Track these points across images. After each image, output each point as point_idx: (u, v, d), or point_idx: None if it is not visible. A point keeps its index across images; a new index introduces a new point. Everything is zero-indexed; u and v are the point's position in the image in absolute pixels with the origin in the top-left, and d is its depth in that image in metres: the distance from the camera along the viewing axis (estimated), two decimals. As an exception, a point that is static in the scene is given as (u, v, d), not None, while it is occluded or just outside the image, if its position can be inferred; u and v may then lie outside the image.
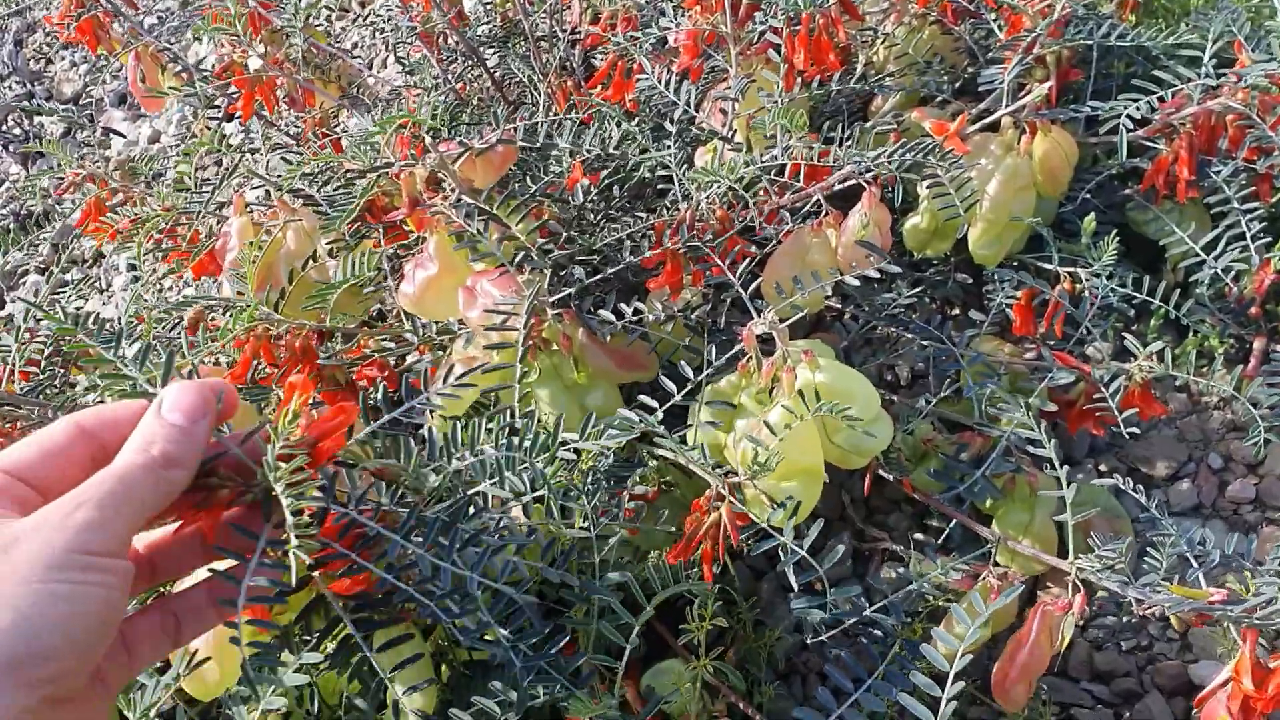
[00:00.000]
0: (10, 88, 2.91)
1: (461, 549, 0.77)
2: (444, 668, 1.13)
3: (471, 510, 0.83)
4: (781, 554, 1.01)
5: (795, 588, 1.03)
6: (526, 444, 0.89)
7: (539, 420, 0.98)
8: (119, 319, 1.44)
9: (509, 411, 1.08)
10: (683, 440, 1.13)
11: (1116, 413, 1.19)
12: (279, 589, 0.65)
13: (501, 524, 0.91)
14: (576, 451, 0.96)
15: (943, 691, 0.94)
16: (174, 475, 0.59)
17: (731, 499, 1.04)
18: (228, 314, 1.30)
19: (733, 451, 1.12)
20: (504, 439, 0.88)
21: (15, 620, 0.50)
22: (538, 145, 1.23)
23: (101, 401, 1.28)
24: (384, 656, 0.81)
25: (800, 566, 1.01)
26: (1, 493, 0.57)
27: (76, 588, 0.53)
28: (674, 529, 1.27)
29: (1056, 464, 1.03)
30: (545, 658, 0.89)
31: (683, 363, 1.14)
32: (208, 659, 0.96)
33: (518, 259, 1.12)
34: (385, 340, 1.35)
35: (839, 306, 1.52)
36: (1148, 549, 1.02)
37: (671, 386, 1.12)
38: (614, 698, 1.05)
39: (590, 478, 1.03)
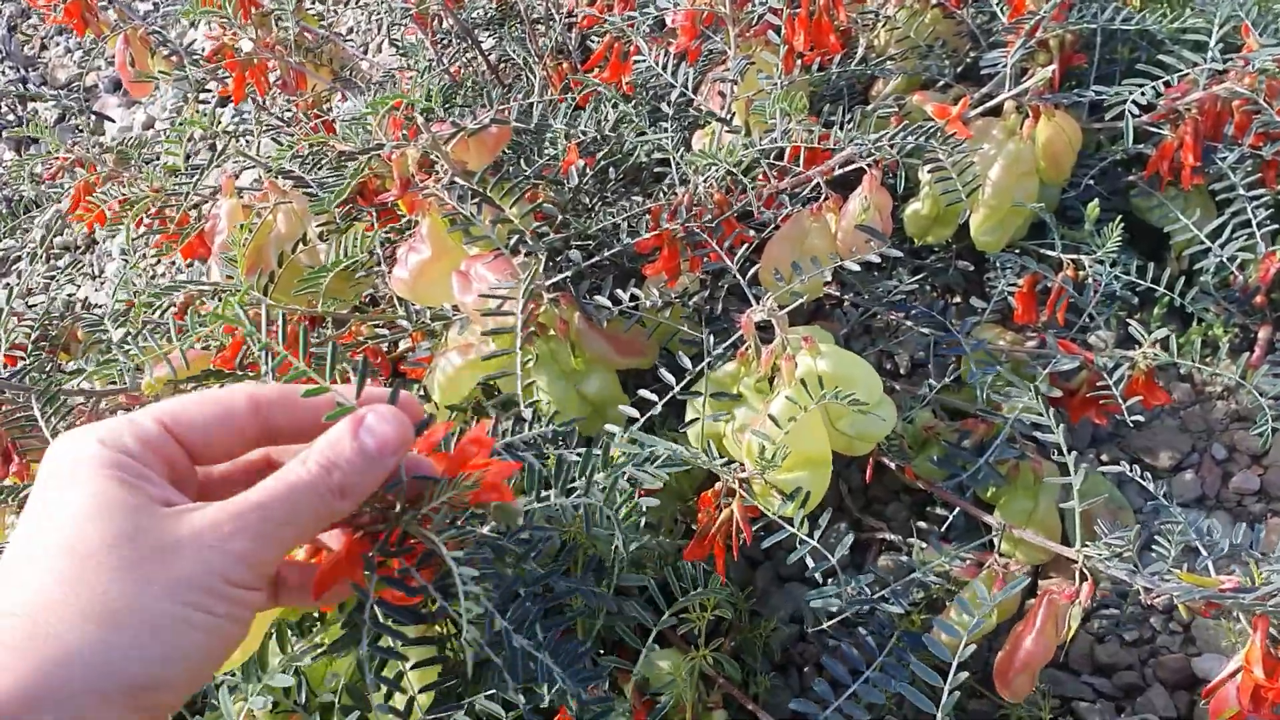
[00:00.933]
0: (4, 73, 2.88)
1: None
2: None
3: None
4: (799, 545, 0.99)
5: (819, 579, 1.02)
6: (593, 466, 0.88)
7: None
8: (110, 304, 1.42)
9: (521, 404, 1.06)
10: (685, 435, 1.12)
11: (1120, 401, 1.17)
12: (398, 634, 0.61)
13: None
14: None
15: (945, 683, 0.92)
16: (342, 507, 0.54)
17: (742, 493, 1.02)
18: (217, 299, 1.29)
19: (733, 442, 1.10)
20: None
21: (147, 642, 0.47)
22: (532, 126, 1.21)
23: (91, 388, 1.26)
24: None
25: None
26: (151, 446, 0.52)
27: (213, 620, 0.49)
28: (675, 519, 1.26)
29: (1064, 449, 1.01)
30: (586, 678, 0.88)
31: (680, 353, 1.12)
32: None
33: (512, 242, 1.10)
34: (378, 326, 1.32)
35: (838, 295, 1.50)
36: (1153, 540, 1.00)
37: (670, 379, 1.11)
38: (626, 700, 1.04)
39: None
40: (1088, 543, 1.01)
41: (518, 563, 0.85)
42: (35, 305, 2.25)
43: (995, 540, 1.15)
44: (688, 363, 1.11)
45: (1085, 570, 1.01)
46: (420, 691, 0.88)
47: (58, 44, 2.93)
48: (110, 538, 0.48)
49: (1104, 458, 1.40)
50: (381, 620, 0.61)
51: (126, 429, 0.52)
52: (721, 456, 1.08)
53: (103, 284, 2.29)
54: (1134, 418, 1.15)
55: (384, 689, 0.68)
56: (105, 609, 0.47)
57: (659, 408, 1.10)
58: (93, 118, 2.62)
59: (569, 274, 1.14)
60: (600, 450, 0.96)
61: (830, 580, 1.04)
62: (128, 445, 0.51)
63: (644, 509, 0.99)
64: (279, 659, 1.07)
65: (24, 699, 0.44)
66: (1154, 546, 1.00)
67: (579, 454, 0.98)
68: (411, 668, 0.83)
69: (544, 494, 0.90)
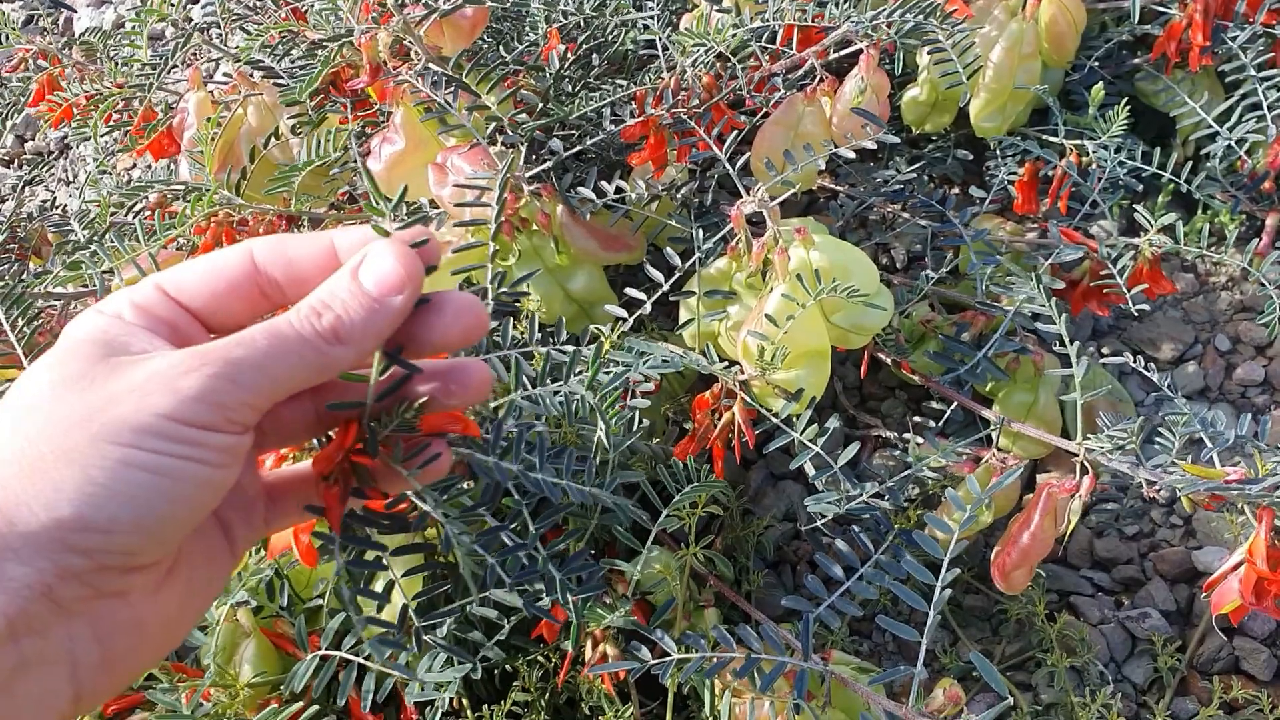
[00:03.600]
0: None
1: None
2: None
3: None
4: (800, 449, 0.97)
5: (820, 485, 1.00)
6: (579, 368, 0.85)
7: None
8: (79, 205, 1.37)
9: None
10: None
11: (1124, 290, 1.13)
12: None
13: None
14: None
15: (937, 579, 0.90)
16: (337, 353, 0.49)
17: (742, 396, 0.99)
18: (187, 198, 1.24)
19: (728, 340, 1.07)
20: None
21: (79, 483, 0.43)
22: (508, 4, 1.14)
23: (62, 290, 1.22)
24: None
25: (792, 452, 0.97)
26: (148, 309, 0.49)
27: (163, 460, 0.44)
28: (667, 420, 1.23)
29: (1067, 340, 0.97)
30: (576, 569, 0.86)
31: (669, 249, 1.08)
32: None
33: (490, 131, 1.05)
34: (355, 224, 1.28)
35: (833, 187, 1.45)
36: (1156, 432, 0.97)
37: (659, 276, 1.07)
38: (629, 601, 1.02)
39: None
40: (1089, 435, 0.98)
41: (502, 457, 0.83)
42: (8, 210, 2.20)
43: (993, 435, 1.12)
44: (677, 260, 1.07)
45: (1086, 463, 0.98)
46: (412, 599, 0.85)
47: (23, -59, 2.82)
48: (58, 385, 0.46)
49: (1105, 350, 1.37)
50: (360, 531, 0.58)
51: (124, 295, 0.50)
52: (717, 356, 1.05)
53: (77, 190, 2.23)
54: (1139, 307, 1.12)
55: (368, 601, 0.66)
56: (32, 452, 0.44)
57: (648, 306, 1.07)
58: (62, 14, 2.53)
59: (550, 165, 1.09)
60: (590, 348, 0.93)
61: (829, 484, 1.02)
62: (120, 310, 0.49)
63: (627, 405, 0.97)
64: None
65: None
66: (1157, 439, 0.97)
67: (567, 351, 0.95)
68: (403, 575, 0.81)
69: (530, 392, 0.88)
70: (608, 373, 0.92)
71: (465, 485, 0.82)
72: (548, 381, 0.87)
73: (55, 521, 0.43)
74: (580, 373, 0.87)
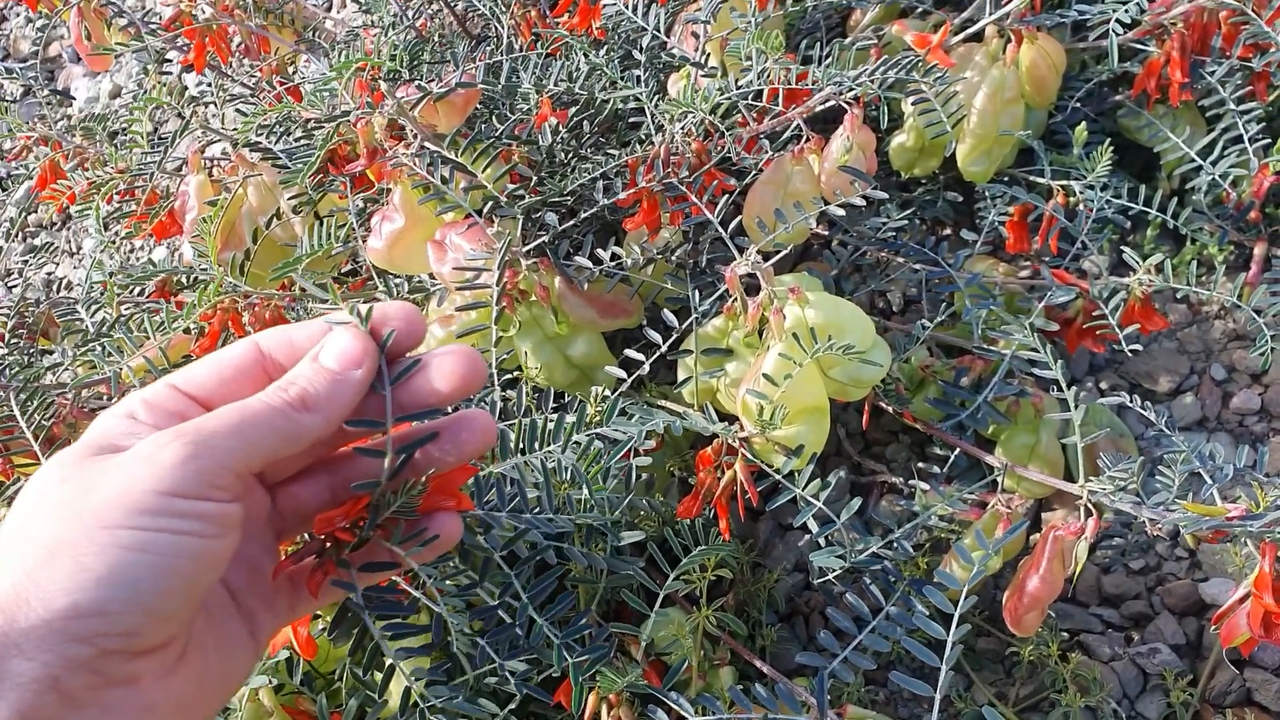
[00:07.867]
0: (-37, 49, 2.81)
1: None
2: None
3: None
4: (803, 506, 0.98)
5: (822, 543, 1.00)
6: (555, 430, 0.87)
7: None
8: (84, 288, 1.39)
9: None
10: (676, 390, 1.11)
11: (1118, 329, 1.14)
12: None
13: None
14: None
15: (948, 634, 0.91)
16: (306, 419, 0.52)
17: (743, 453, 1.01)
18: (191, 284, 1.26)
19: (727, 396, 1.08)
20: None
21: (70, 571, 0.45)
22: (500, 87, 1.17)
23: (74, 377, 1.24)
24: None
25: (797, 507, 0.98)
26: (158, 407, 0.52)
27: (155, 536, 0.46)
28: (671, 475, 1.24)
29: (1064, 384, 0.99)
30: (575, 631, 0.88)
31: (666, 310, 1.10)
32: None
33: (487, 208, 1.07)
34: (357, 301, 1.29)
35: (826, 234, 1.47)
36: (1157, 469, 0.99)
37: (657, 338, 1.08)
38: (640, 665, 1.03)
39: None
40: (1091, 477, 1.00)
41: (487, 532, 0.84)
42: (14, 287, 2.23)
43: (998, 478, 1.13)
44: (674, 320, 1.09)
45: (1090, 505, 0.99)
46: (418, 680, 0.87)
47: (18, 14, 2.87)
48: (50, 485, 0.49)
49: (1103, 385, 1.39)
50: (370, 614, 0.61)
51: (136, 395, 0.53)
52: (717, 413, 1.06)
53: (80, 261, 2.25)
54: (1132, 346, 1.13)
55: (379, 676, 0.67)
56: (30, 551, 0.46)
57: (646, 368, 1.09)
58: (58, 90, 2.56)
59: (547, 237, 1.11)
60: (575, 412, 0.94)
61: (843, 529, 1.03)
62: (133, 410, 0.52)
63: (629, 461, 0.98)
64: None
65: None
66: (1157, 476, 0.98)
67: (551, 418, 0.97)
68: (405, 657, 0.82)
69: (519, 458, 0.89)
70: (590, 435, 0.94)
71: (456, 564, 0.84)
72: (535, 448, 0.89)
73: (52, 613, 0.45)
74: (572, 437, 0.89)
